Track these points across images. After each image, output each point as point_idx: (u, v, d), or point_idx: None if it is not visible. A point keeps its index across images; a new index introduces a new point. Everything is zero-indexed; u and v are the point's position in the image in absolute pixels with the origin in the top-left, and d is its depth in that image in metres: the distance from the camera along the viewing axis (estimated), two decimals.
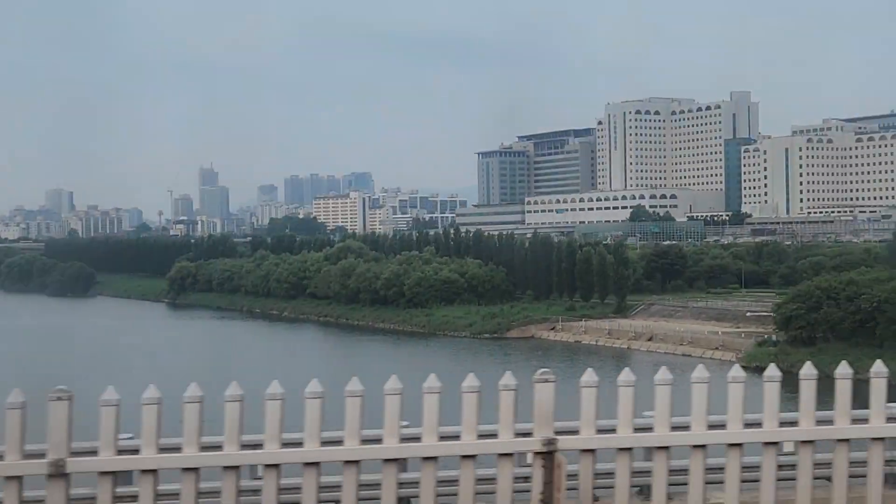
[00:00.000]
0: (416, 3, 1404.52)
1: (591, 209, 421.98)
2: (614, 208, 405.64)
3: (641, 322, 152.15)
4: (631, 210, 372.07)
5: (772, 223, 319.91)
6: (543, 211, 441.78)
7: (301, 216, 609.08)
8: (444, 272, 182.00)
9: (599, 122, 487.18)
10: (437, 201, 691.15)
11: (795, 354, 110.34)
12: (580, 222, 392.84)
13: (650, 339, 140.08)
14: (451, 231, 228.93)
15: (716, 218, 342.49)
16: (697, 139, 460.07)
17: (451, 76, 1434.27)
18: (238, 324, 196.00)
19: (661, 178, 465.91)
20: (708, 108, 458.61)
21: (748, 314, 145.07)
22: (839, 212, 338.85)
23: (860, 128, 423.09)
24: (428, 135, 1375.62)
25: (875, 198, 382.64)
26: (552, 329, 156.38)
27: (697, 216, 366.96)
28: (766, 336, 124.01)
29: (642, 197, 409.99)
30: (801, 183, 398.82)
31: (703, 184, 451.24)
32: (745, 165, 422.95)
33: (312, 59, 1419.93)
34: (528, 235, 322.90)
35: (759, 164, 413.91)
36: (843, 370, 8.54)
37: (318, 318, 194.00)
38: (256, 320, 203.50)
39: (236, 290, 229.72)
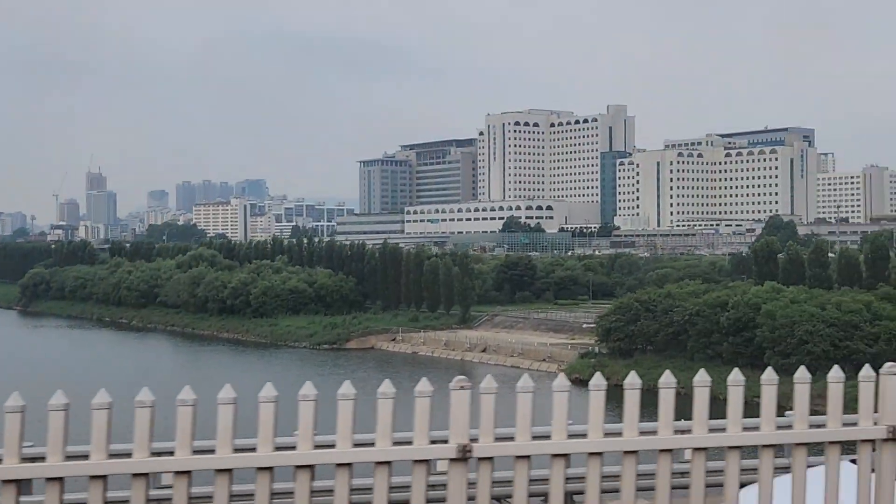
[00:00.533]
0: (316, 8, 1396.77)
1: (469, 219, 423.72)
2: (491, 219, 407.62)
3: (481, 333, 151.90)
4: (503, 221, 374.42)
5: (637, 235, 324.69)
6: (422, 220, 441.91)
7: (181, 223, 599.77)
8: (293, 281, 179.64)
9: (481, 133, 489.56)
10: (323, 209, 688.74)
11: (612, 366, 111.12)
12: (458, 232, 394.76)
13: (484, 351, 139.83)
14: (305, 240, 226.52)
15: (585, 230, 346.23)
16: (575, 151, 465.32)
17: (347, 83, 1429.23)
18: (81, 333, 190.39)
19: (538, 190, 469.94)
20: (585, 120, 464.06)
21: (584, 326, 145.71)
22: (702, 225, 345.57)
23: (730, 143, 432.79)
24: (323, 142, 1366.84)
25: (741, 211, 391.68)
26: (393, 340, 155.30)
27: (570, 228, 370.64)
28: (590, 348, 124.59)
29: (518, 208, 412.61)
30: (671, 196, 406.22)
31: (579, 195, 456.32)
32: (619, 178, 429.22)
33: (212, 63, 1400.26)
34: (401, 245, 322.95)
35: (632, 177, 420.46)
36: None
37: (166, 327, 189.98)
38: (104, 329, 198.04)
39: (89, 298, 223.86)
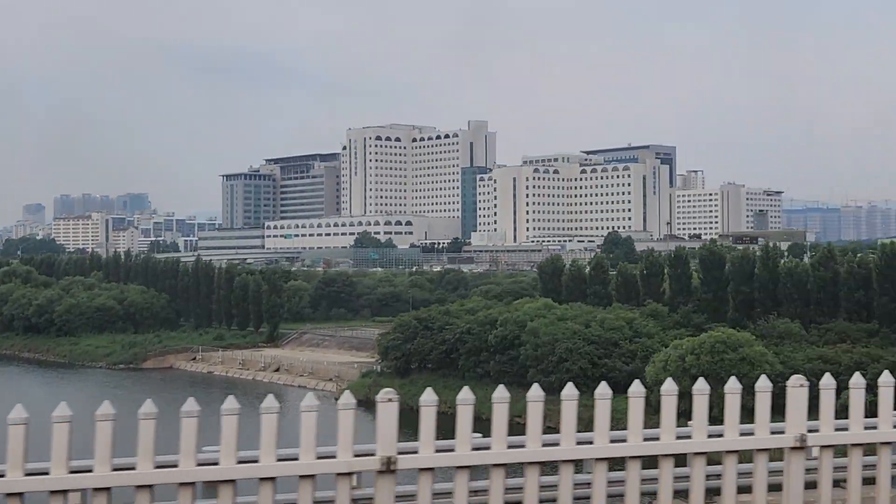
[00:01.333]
0: (201, 19, 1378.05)
1: (329, 234, 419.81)
2: (351, 234, 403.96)
3: (285, 351, 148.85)
4: (355, 237, 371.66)
5: (485, 251, 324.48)
6: (282, 236, 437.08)
7: (40, 237, 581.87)
8: (101, 299, 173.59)
9: (344, 147, 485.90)
10: (194, 224, 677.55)
11: (386, 385, 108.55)
12: (317, 248, 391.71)
13: (277, 370, 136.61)
14: (122, 255, 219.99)
15: (436, 245, 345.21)
16: (437, 166, 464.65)
17: (225, 95, 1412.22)
18: None
19: (400, 205, 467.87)
20: (447, 136, 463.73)
21: None
22: (550, 241, 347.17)
23: (586, 159, 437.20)
24: (205, 155, 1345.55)
25: (596, 227, 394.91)
26: (193, 359, 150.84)
27: (425, 243, 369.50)
28: (374, 366, 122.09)
29: (378, 223, 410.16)
30: (527, 212, 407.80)
31: (441, 211, 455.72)
32: (479, 193, 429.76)
33: (91, 73, 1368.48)
34: (250, 261, 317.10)
35: (490, 193, 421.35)
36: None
37: None
38: None
39: None
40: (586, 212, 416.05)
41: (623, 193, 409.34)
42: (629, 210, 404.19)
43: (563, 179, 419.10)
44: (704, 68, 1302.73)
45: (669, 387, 9.30)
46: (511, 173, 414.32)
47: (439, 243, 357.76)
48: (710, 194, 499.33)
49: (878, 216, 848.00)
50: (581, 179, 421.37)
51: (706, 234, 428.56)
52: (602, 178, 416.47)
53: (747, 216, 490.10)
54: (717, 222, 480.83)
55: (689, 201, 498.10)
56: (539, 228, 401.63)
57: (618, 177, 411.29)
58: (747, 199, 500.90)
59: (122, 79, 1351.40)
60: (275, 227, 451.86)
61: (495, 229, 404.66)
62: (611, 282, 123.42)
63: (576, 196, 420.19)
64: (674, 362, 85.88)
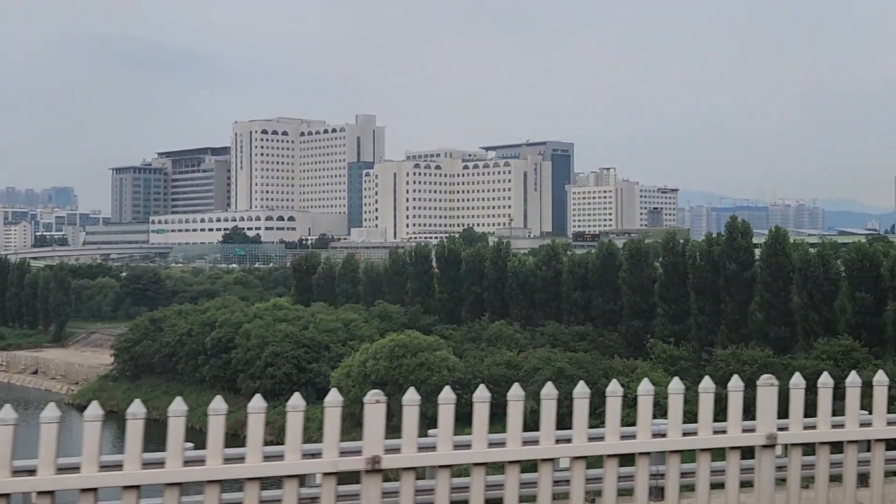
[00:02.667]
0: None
1: (212, 230, 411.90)
2: (233, 230, 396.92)
3: (62, 353, 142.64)
4: (225, 232, 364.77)
5: (353, 247, 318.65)
6: (167, 231, 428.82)
7: None
8: None
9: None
10: (99, 218, 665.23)
11: (113, 390, 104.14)
12: (194, 243, 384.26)
13: (35, 373, 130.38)
14: None
15: (304, 241, 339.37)
16: (324, 161, 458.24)
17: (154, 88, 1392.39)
18: None
19: (287, 200, 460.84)
20: (334, 130, 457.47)
21: None
22: (417, 237, 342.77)
23: (469, 155, 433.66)
24: (122, 148, 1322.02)
25: (477, 224, 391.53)
26: None
27: (306, 240, 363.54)
28: (111, 369, 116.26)
29: (259, 218, 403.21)
30: (407, 207, 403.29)
31: (328, 206, 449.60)
32: (364, 189, 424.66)
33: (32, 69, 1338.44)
34: (113, 257, 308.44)
35: (373, 188, 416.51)
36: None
37: None
38: None
39: None
40: (468, 208, 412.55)
41: (504, 190, 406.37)
42: (509, 207, 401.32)
43: (444, 175, 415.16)
44: (643, 70, 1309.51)
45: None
46: (392, 168, 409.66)
47: (306, 239, 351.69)
48: (605, 191, 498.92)
49: (806, 214, 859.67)
50: (463, 175, 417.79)
51: (600, 231, 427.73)
52: (483, 174, 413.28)
53: (641, 213, 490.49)
54: (611, 220, 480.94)
55: (584, 198, 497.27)
56: (419, 224, 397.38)
57: (499, 173, 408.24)
58: (642, 196, 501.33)
59: (53, 70, 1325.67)
60: (159, 223, 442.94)
61: (377, 225, 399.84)
62: (361, 281, 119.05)
63: (458, 192, 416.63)
64: (357, 367, 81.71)
